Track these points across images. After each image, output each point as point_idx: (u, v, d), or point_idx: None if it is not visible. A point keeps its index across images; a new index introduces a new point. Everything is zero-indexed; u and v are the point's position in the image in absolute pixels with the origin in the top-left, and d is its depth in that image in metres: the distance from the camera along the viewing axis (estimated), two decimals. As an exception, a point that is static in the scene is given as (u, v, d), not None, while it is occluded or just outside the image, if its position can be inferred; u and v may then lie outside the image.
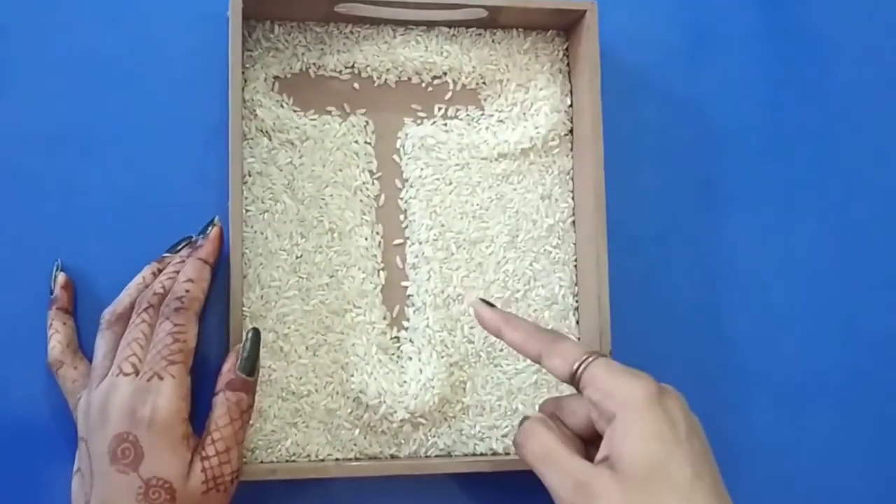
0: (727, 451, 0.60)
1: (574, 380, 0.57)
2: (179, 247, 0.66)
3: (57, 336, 0.64)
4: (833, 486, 0.75)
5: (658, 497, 0.52)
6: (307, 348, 0.67)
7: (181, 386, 0.58)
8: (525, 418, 0.60)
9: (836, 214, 0.77)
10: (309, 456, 0.66)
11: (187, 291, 0.61)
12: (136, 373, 0.58)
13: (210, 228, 0.65)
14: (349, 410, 0.67)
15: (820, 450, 0.75)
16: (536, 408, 0.66)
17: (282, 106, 0.69)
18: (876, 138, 0.78)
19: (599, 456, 0.55)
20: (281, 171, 0.68)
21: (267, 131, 0.68)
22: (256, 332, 0.61)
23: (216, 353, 0.66)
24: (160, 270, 0.64)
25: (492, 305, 0.64)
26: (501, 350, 0.69)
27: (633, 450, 0.53)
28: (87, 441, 0.58)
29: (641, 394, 0.54)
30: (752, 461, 0.67)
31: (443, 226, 0.69)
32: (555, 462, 0.56)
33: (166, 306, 0.60)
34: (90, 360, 0.63)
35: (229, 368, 0.60)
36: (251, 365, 0.61)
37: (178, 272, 0.63)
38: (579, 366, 0.57)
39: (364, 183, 0.69)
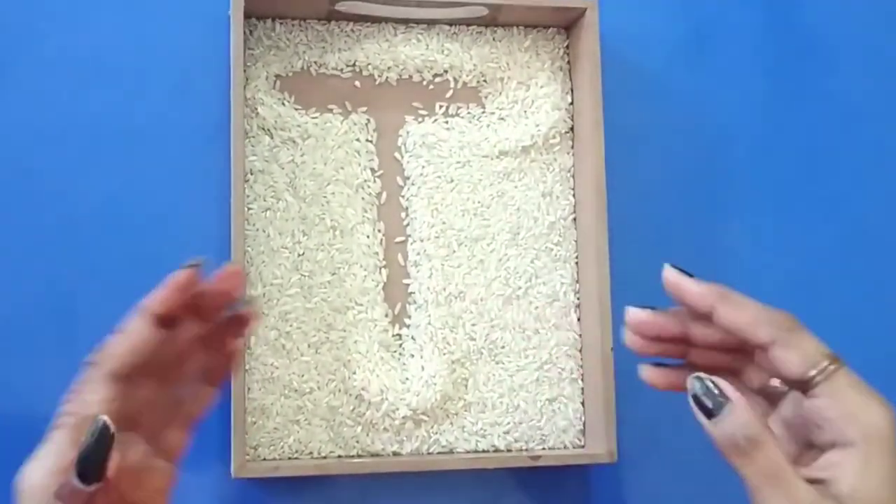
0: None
1: (807, 383, 0.48)
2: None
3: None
4: None
5: None
6: (309, 346, 0.67)
7: (59, 455, 0.46)
8: (727, 401, 0.47)
9: (837, 211, 0.77)
10: (311, 453, 0.66)
11: (106, 344, 0.49)
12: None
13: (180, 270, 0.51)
14: (351, 408, 0.67)
15: None
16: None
17: (283, 104, 0.69)
18: (876, 135, 0.78)
19: (815, 474, 0.48)
20: (282, 169, 0.68)
21: (268, 129, 0.68)
22: (104, 426, 0.46)
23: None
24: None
25: (690, 275, 0.52)
26: (503, 347, 0.69)
27: (870, 492, 0.47)
28: None
29: (886, 426, 0.47)
30: None
31: (444, 223, 0.69)
32: (784, 485, 0.47)
33: (89, 361, 0.49)
34: None
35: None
36: (90, 466, 0.46)
37: None
38: (820, 371, 0.48)
39: (365, 181, 0.69)
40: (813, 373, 0.48)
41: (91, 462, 0.45)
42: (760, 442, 0.47)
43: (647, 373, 0.54)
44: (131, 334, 0.49)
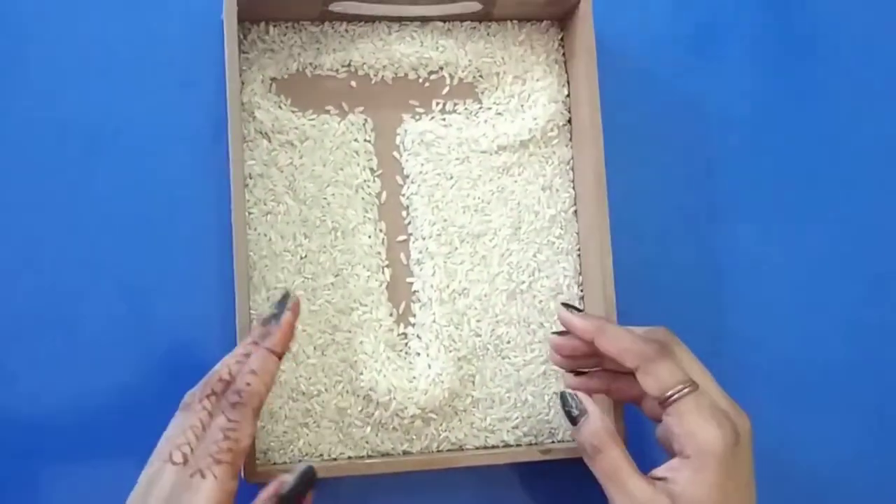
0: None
1: (662, 403, 0.59)
2: (283, 303, 0.60)
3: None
4: (836, 481, 0.75)
5: None
6: (315, 348, 0.67)
7: (223, 489, 0.54)
8: (582, 411, 0.61)
9: (839, 205, 0.77)
10: (321, 455, 0.66)
11: (248, 385, 0.56)
12: (185, 463, 0.54)
13: (285, 313, 0.59)
14: (360, 408, 0.67)
15: (823, 444, 0.75)
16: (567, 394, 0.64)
17: (280, 107, 0.69)
18: (877, 133, 0.78)
19: (660, 473, 0.59)
20: (282, 172, 0.68)
21: (266, 133, 0.68)
22: (311, 471, 0.58)
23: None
24: (275, 347, 0.59)
25: (579, 310, 0.65)
26: (509, 342, 0.69)
27: (695, 495, 0.57)
28: None
29: (720, 445, 0.57)
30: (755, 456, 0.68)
31: (445, 220, 0.69)
32: (621, 482, 0.59)
33: (225, 399, 0.56)
34: None
35: (273, 492, 0.57)
36: (293, 496, 0.57)
37: (247, 355, 0.58)
38: (671, 395, 0.59)
39: (365, 181, 0.69)
40: (668, 394, 0.59)
41: (292, 499, 0.56)
42: (603, 448, 0.60)
43: (569, 380, 0.66)
44: (267, 375, 0.57)
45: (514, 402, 0.69)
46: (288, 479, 0.57)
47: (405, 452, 0.68)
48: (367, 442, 0.67)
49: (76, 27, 0.69)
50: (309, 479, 0.57)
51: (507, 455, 0.67)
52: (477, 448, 0.69)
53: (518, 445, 0.69)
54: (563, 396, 0.62)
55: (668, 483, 0.58)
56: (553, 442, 0.70)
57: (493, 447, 0.69)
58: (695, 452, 0.58)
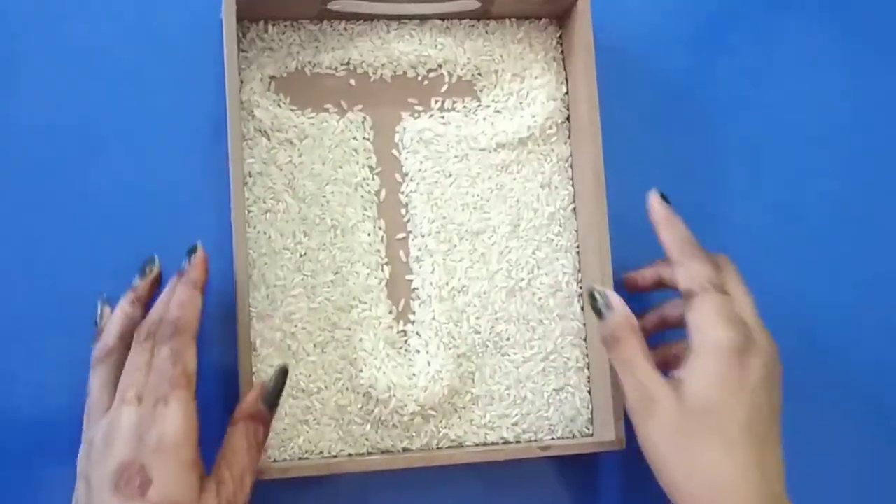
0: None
1: (686, 297, 0.63)
2: (146, 270, 0.64)
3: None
4: (831, 469, 0.75)
5: (703, 433, 0.59)
6: (315, 346, 0.67)
7: (186, 410, 0.57)
8: (608, 305, 0.63)
9: (841, 203, 0.78)
10: (321, 452, 0.67)
11: (178, 316, 0.59)
12: (139, 401, 0.57)
13: (194, 253, 0.62)
14: (360, 406, 0.67)
15: (820, 435, 0.75)
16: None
17: (279, 105, 0.69)
18: (880, 130, 0.79)
19: (678, 365, 0.63)
20: (281, 170, 0.68)
21: (265, 131, 0.68)
22: (285, 369, 0.62)
23: (227, 357, 0.66)
24: (137, 299, 0.63)
25: (667, 202, 0.66)
26: (508, 339, 0.70)
27: (698, 389, 0.60)
28: (88, 477, 0.57)
29: (727, 344, 0.60)
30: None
31: (444, 218, 0.70)
32: (634, 369, 0.62)
33: (162, 332, 0.59)
34: None
35: (254, 400, 0.60)
36: (274, 399, 0.61)
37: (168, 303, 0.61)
38: (695, 289, 0.62)
39: (364, 179, 0.69)
40: (690, 290, 0.62)
41: (276, 394, 0.61)
42: (622, 337, 0.62)
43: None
44: (194, 307, 0.60)
45: (513, 398, 0.69)
46: (267, 382, 0.61)
47: (405, 449, 0.68)
48: (366, 439, 0.67)
49: (75, 27, 0.69)
50: (285, 374, 0.62)
51: (507, 452, 0.67)
52: (476, 445, 0.69)
53: (518, 442, 0.69)
54: (591, 293, 0.64)
55: (676, 374, 0.62)
56: (552, 438, 0.70)
57: (493, 444, 0.69)
58: (701, 346, 0.61)
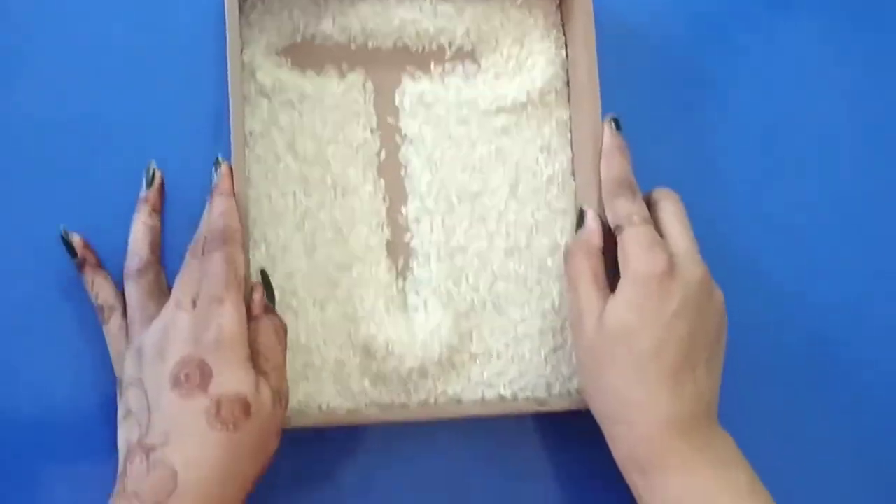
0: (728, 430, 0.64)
1: (615, 232, 0.66)
2: (148, 181, 0.67)
3: (104, 285, 0.66)
4: (832, 467, 0.75)
5: (615, 357, 0.63)
6: (314, 303, 0.68)
7: (240, 310, 0.60)
8: (582, 223, 0.68)
9: (844, 192, 0.78)
10: (319, 406, 0.68)
11: (227, 224, 0.62)
12: (194, 305, 0.60)
13: (218, 166, 0.64)
14: (358, 361, 0.68)
15: (820, 430, 0.76)
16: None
17: (279, 67, 0.70)
18: (885, 118, 0.79)
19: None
20: (282, 130, 0.69)
21: (266, 93, 0.69)
22: (264, 272, 0.65)
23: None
24: (153, 208, 0.66)
25: (619, 128, 0.69)
26: (506, 299, 0.71)
27: (615, 313, 0.63)
28: (143, 379, 0.59)
29: (645, 271, 0.63)
30: (753, 439, 0.68)
31: (443, 180, 0.71)
32: (575, 286, 0.66)
33: (211, 242, 0.61)
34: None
35: (261, 298, 0.63)
36: (272, 299, 0.64)
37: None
38: (620, 225, 0.65)
39: (365, 140, 0.70)
40: (616, 223, 0.65)
41: (271, 296, 0.64)
42: (574, 255, 0.67)
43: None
44: (234, 212, 0.63)
45: (511, 356, 0.70)
46: (259, 289, 0.64)
47: (402, 405, 0.69)
48: (365, 394, 0.68)
49: (79, 16, 0.70)
50: (266, 276, 0.65)
51: (504, 407, 0.69)
52: (474, 401, 0.70)
53: (514, 399, 0.70)
54: (579, 212, 0.69)
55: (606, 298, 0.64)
56: (549, 395, 0.71)
57: (491, 400, 0.70)
58: (623, 275, 0.64)
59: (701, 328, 0.63)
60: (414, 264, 0.70)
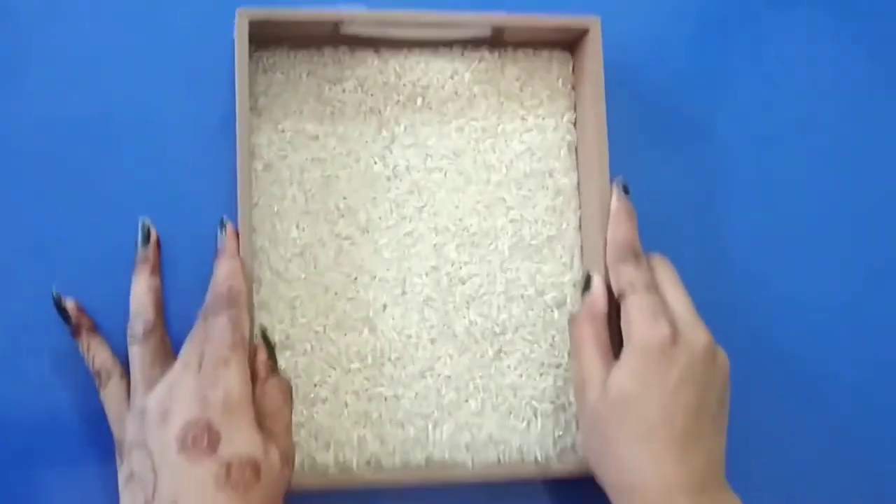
0: (729, 440, 0.65)
1: (619, 300, 0.66)
2: (143, 240, 0.67)
3: (100, 349, 0.66)
4: (834, 476, 0.74)
5: (620, 426, 0.62)
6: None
7: (245, 371, 0.60)
8: (589, 286, 0.68)
9: (841, 209, 0.77)
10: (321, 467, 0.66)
11: (232, 286, 0.62)
12: (200, 366, 0.59)
13: (224, 227, 0.65)
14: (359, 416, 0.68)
15: (825, 443, 0.75)
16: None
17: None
18: (880, 134, 0.79)
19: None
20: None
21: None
22: (264, 331, 0.65)
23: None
24: (153, 269, 0.66)
25: (627, 193, 0.69)
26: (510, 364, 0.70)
27: (619, 381, 0.63)
28: (146, 441, 0.58)
29: (650, 342, 0.63)
30: (754, 451, 0.68)
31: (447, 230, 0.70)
32: (579, 354, 0.66)
33: (216, 304, 0.62)
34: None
35: (265, 359, 0.63)
36: (274, 359, 0.64)
37: None
38: (623, 292, 0.66)
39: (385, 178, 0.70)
40: (620, 291, 0.66)
41: (272, 351, 0.64)
42: (578, 322, 0.67)
43: None
44: (239, 273, 0.63)
45: (518, 416, 0.70)
46: (262, 342, 0.64)
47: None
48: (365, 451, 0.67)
49: (86, 21, 0.70)
50: (266, 333, 0.65)
51: (506, 469, 0.68)
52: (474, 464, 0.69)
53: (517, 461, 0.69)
54: (587, 276, 0.69)
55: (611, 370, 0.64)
56: (550, 460, 0.70)
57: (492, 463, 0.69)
58: (627, 344, 0.64)
59: (707, 393, 0.63)
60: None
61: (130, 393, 0.62)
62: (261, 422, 0.59)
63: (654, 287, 0.66)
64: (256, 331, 0.65)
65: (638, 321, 0.64)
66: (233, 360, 0.59)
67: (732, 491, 0.63)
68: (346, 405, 0.67)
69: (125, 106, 0.69)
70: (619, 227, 0.67)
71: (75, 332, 0.66)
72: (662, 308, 0.64)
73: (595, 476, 0.65)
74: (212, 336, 0.60)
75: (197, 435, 0.56)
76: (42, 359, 0.66)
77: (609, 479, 0.64)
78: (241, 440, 0.57)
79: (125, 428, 0.61)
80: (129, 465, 0.59)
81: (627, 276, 0.66)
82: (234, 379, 0.59)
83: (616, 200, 0.68)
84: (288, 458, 0.60)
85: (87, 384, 0.65)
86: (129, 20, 0.70)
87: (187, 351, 0.61)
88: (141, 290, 0.65)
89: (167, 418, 0.58)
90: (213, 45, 0.70)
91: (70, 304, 0.66)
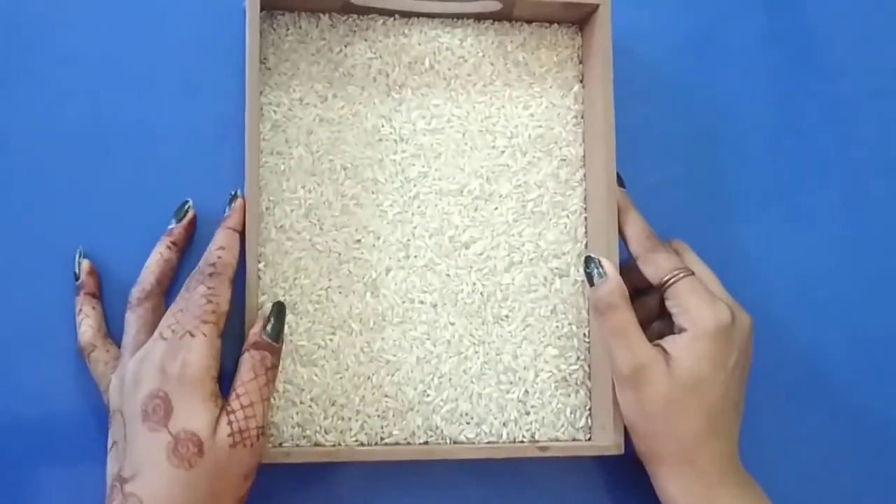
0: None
1: (661, 289, 0.67)
2: (179, 215, 0.67)
3: (87, 321, 0.66)
4: (832, 483, 0.75)
5: (690, 401, 0.64)
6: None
7: (211, 345, 0.60)
8: (602, 273, 0.67)
9: (845, 210, 0.77)
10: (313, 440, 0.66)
11: (220, 258, 0.63)
12: (173, 334, 0.60)
13: (234, 200, 0.66)
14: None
15: (820, 448, 0.75)
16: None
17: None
18: (883, 132, 0.79)
19: (662, 343, 0.66)
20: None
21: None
22: (280, 305, 0.64)
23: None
24: (173, 243, 0.66)
25: (622, 185, 0.70)
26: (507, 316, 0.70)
27: (688, 363, 0.64)
28: (122, 410, 0.59)
29: (712, 323, 0.65)
30: (754, 456, 0.67)
31: (446, 214, 0.70)
32: (627, 339, 0.66)
33: (200, 272, 0.62)
34: (118, 345, 0.65)
35: (256, 331, 0.62)
36: (277, 331, 0.63)
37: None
38: (669, 279, 0.67)
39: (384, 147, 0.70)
40: (665, 279, 0.67)
41: (277, 329, 0.62)
42: (615, 306, 0.66)
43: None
44: (233, 249, 0.64)
45: (515, 396, 0.69)
46: (267, 315, 0.63)
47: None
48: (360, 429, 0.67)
49: (86, 22, 0.70)
50: (282, 308, 0.64)
51: (504, 450, 0.67)
52: (472, 441, 0.68)
53: (514, 441, 0.69)
54: (587, 259, 0.68)
55: (666, 349, 0.66)
56: (549, 440, 0.69)
57: (490, 443, 0.69)
58: (690, 326, 0.65)
59: (747, 370, 0.68)
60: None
61: (120, 358, 0.63)
62: (228, 394, 0.60)
63: (691, 271, 0.67)
64: (267, 304, 0.66)
65: (697, 305, 0.65)
66: (198, 330, 0.59)
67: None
68: (347, 368, 0.67)
69: (135, 72, 0.70)
70: (631, 218, 0.69)
71: (77, 290, 0.66)
72: (713, 292, 0.67)
73: (645, 455, 0.66)
74: (188, 306, 0.61)
75: (156, 405, 0.58)
76: (41, 360, 0.67)
77: (660, 451, 0.66)
78: (188, 415, 0.57)
79: (109, 395, 0.62)
80: (113, 432, 0.60)
81: (667, 264, 0.67)
82: (195, 352, 0.59)
83: (624, 197, 0.70)
84: (245, 437, 0.59)
85: (87, 384, 0.66)
86: (135, 14, 0.71)
87: (166, 318, 0.61)
88: (152, 260, 0.66)
89: (137, 387, 0.59)
90: (225, 10, 0.70)
91: (84, 264, 0.67)
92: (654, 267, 0.67)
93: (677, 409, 0.64)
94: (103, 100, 0.69)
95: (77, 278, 0.66)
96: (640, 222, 0.69)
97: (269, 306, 0.64)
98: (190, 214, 0.67)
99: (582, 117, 0.72)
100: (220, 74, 0.70)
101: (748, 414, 0.67)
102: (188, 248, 0.68)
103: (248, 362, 0.61)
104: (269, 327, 0.62)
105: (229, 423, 0.58)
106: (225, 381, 0.60)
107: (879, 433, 0.76)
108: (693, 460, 0.65)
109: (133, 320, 0.64)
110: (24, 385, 0.66)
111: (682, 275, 0.66)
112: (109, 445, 0.61)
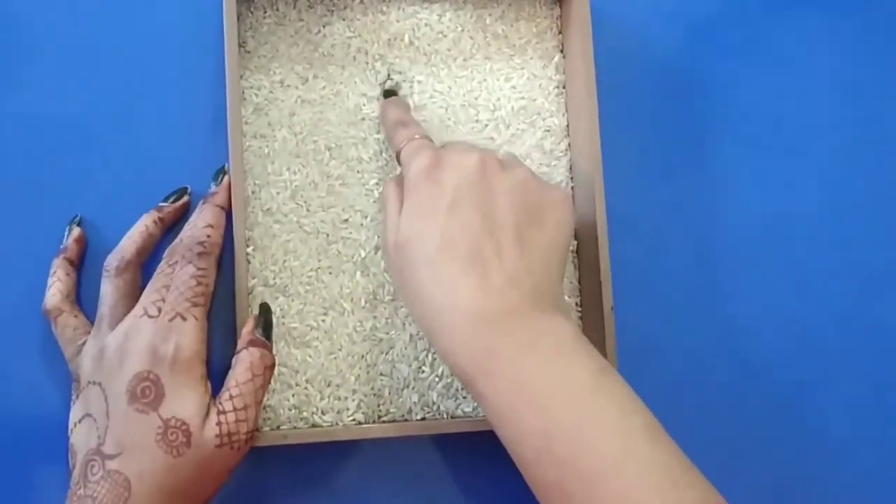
0: (724, 433, 0.69)
1: (398, 158, 0.65)
2: (173, 196, 0.67)
3: (58, 284, 0.65)
4: (829, 472, 0.74)
5: (410, 260, 0.59)
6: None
7: (202, 329, 0.60)
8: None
9: (841, 195, 0.77)
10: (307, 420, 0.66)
11: (208, 237, 0.63)
12: (160, 313, 0.59)
13: (221, 176, 0.66)
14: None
15: (817, 435, 0.74)
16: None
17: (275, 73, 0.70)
18: (882, 122, 0.78)
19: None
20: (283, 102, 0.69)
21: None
22: (266, 306, 0.65)
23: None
24: (160, 219, 0.66)
25: (395, 93, 0.70)
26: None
27: (402, 223, 0.60)
28: (102, 383, 0.59)
29: (414, 173, 0.61)
30: (749, 443, 0.67)
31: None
32: (383, 214, 0.64)
33: (188, 250, 0.62)
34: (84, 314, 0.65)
35: (250, 330, 0.62)
36: (267, 330, 0.63)
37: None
38: (399, 150, 0.65)
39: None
40: (396, 151, 0.65)
41: (266, 326, 0.63)
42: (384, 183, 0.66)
43: None
44: (220, 227, 0.64)
45: None
46: (258, 316, 0.63)
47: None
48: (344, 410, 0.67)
49: (77, 13, 0.70)
50: (268, 309, 0.64)
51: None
52: (466, 414, 0.68)
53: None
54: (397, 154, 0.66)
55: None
56: None
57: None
58: (405, 186, 0.62)
59: (495, 211, 0.59)
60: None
61: (94, 327, 0.62)
62: (221, 392, 0.60)
63: (427, 137, 0.64)
64: (254, 305, 0.66)
65: (405, 164, 0.63)
66: (190, 313, 0.59)
67: (565, 319, 0.58)
68: (341, 348, 0.67)
69: (115, 100, 0.69)
70: (388, 111, 0.68)
71: (57, 253, 0.66)
72: (429, 144, 0.63)
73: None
74: (177, 285, 0.60)
75: (146, 388, 0.57)
76: (35, 358, 0.67)
77: (414, 312, 0.60)
78: (181, 401, 0.58)
79: (80, 364, 0.61)
80: (86, 402, 0.59)
81: (400, 136, 0.65)
82: (188, 336, 0.59)
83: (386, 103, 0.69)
84: (232, 439, 0.58)
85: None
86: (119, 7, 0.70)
87: (150, 294, 0.61)
88: (136, 230, 0.65)
89: (123, 364, 0.58)
90: (203, 36, 0.70)
91: (75, 231, 0.66)
92: (393, 142, 0.66)
93: (403, 272, 0.60)
94: (86, 89, 0.69)
95: (62, 242, 0.66)
96: (391, 113, 0.67)
97: (256, 308, 0.65)
98: (185, 199, 0.67)
99: (564, 87, 0.72)
100: (202, 61, 0.70)
101: (728, 424, 0.67)
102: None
103: (246, 361, 0.60)
104: (260, 326, 0.63)
105: (218, 423, 0.58)
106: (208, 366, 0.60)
107: (876, 418, 0.75)
108: (444, 330, 0.57)
109: (111, 291, 0.63)
110: (15, 382, 0.66)
111: (408, 142, 0.64)
112: (78, 414, 0.60)
